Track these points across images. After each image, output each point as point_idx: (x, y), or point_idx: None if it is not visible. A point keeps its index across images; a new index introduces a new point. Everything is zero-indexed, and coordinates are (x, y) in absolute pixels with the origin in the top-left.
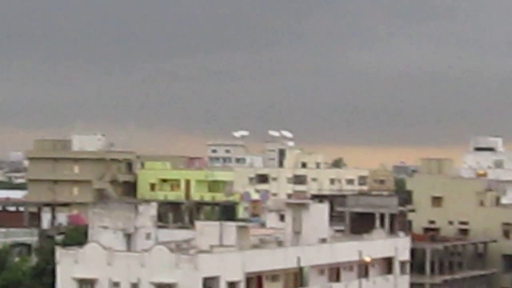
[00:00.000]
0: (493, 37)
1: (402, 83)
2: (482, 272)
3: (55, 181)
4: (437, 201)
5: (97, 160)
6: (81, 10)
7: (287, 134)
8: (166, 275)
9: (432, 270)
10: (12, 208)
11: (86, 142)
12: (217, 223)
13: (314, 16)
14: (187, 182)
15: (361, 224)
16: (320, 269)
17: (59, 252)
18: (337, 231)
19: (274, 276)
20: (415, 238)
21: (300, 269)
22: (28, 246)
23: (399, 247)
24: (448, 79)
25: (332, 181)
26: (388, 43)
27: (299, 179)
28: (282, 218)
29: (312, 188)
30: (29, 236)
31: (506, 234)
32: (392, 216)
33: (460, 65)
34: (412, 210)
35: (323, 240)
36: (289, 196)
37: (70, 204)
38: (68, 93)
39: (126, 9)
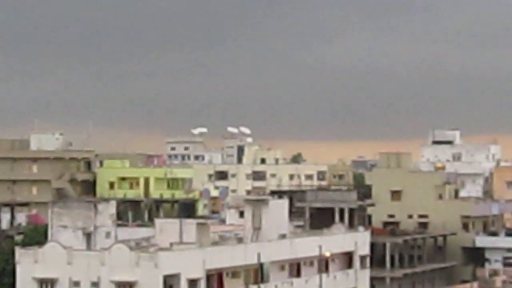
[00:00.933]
0: (451, 31)
1: (360, 77)
2: (442, 265)
3: (14, 181)
4: (396, 195)
5: (55, 159)
6: (36, 7)
7: (246, 130)
8: (126, 274)
9: (392, 264)
10: None
11: (44, 141)
12: (176, 220)
13: (273, 12)
14: (146, 180)
15: (320, 219)
16: (281, 265)
17: (19, 252)
18: (297, 226)
19: (234, 272)
20: (374, 232)
21: (261, 265)
22: None
23: (359, 241)
24: (405, 73)
25: (291, 176)
26: (346, 38)
27: (258, 175)
28: (241, 214)
29: (271, 184)
30: None
31: (465, 226)
32: (352, 211)
33: (418, 59)
34: (372, 205)
35: (283, 236)
36: (248, 192)
37: (29, 203)
38: (25, 92)
39: (83, 7)
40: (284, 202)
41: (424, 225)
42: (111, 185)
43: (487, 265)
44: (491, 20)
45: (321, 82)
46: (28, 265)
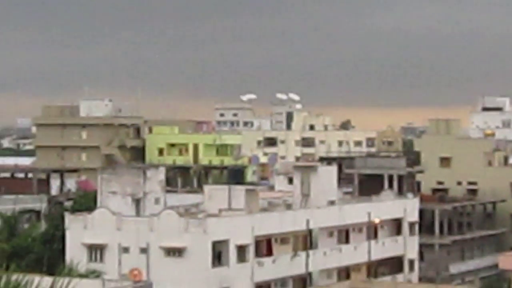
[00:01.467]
0: None
1: (411, 44)
2: (491, 232)
3: (63, 147)
4: (445, 161)
5: (105, 125)
6: None
7: (295, 96)
8: (175, 240)
9: (441, 230)
10: (21, 175)
11: (93, 108)
12: (225, 186)
13: None
14: (195, 146)
15: (369, 185)
16: (329, 231)
17: (68, 218)
18: (346, 193)
19: (283, 238)
20: (423, 199)
21: (309, 231)
22: (37, 212)
23: (408, 208)
24: (456, 39)
25: (340, 143)
26: (398, 5)
27: (307, 142)
28: (290, 181)
29: (320, 150)
30: (38, 203)
31: None
32: (401, 177)
33: (468, 25)
34: (421, 171)
35: (332, 202)
36: (297, 159)
37: (79, 170)
38: (75, 59)
39: None
40: (333, 169)
41: (473, 192)
42: (160, 151)
43: None
44: None
45: (371, 48)
46: (78, 231)
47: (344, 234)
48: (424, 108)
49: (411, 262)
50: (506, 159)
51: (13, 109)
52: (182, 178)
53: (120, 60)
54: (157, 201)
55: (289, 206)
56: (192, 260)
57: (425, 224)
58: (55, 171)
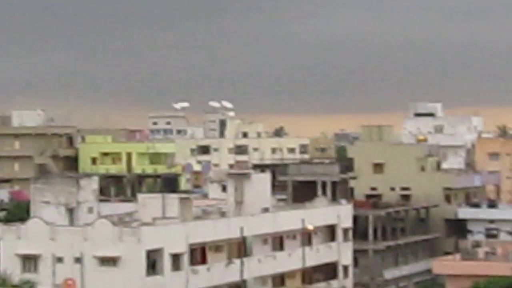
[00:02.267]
0: (434, 3)
1: (341, 51)
2: (425, 237)
3: None
4: (378, 167)
5: (37, 135)
6: None
7: (228, 104)
8: (109, 249)
9: (375, 236)
10: None
11: (26, 118)
12: (159, 195)
13: None
14: (129, 155)
15: (303, 192)
16: (264, 238)
17: (1, 228)
18: (280, 200)
19: (217, 246)
20: (357, 205)
21: (244, 238)
22: None
23: (342, 214)
24: (387, 45)
25: (273, 150)
26: (326, 12)
27: (240, 149)
28: (224, 188)
29: (253, 157)
30: None
31: (447, 198)
32: (334, 184)
33: (399, 31)
34: (354, 177)
35: (266, 210)
36: (231, 166)
37: (12, 180)
38: (6, 68)
39: None
40: (267, 176)
41: (406, 198)
42: (94, 161)
43: (469, 236)
44: None
45: (302, 55)
46: (11, 242)
47: (278, 241)
48: (357, 114)
49: (346, 268)
50: (438, 164)
51: None
52: (115, 187)
53: (52, 69)
54: (90, 210)
55: (223, 214)
56: (126, 269)
57: (359, 230)
58: None
